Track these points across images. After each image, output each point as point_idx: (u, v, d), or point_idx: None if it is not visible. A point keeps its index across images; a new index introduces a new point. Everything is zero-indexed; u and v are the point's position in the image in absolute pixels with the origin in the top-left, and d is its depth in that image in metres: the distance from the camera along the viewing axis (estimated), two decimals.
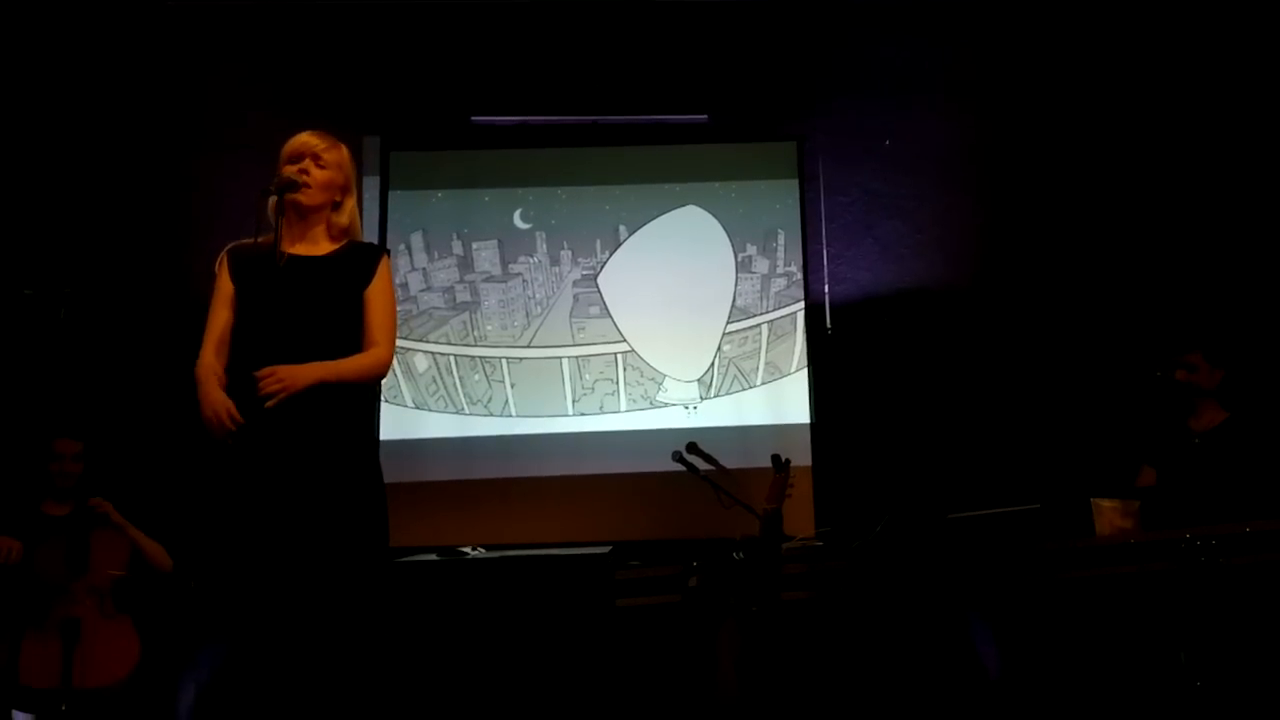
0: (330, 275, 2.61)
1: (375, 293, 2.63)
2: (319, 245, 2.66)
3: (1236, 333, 4.07)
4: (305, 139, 2.67)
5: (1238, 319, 4.48)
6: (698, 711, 3.19)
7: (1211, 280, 4.65)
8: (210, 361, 2.56)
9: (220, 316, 2.61)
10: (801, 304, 4.73)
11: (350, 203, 2.71)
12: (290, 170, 2.61)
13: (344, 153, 2.71)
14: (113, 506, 3.70)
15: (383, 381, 4.52)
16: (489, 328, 4.72)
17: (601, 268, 4.77)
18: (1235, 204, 4.73)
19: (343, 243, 2.68)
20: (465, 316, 4.72)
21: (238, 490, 2.49)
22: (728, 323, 4.73)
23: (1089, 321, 4.69)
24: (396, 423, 4.58)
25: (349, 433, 2.59)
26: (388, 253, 2.74)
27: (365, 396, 2.66)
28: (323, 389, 2.48)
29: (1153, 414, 3.76)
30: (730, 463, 3.59)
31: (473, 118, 4.96)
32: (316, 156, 2.64)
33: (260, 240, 2.61)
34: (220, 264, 2.65)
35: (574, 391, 4.67)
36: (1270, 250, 4.65)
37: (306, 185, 2.61)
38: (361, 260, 2.66)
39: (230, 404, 2.44)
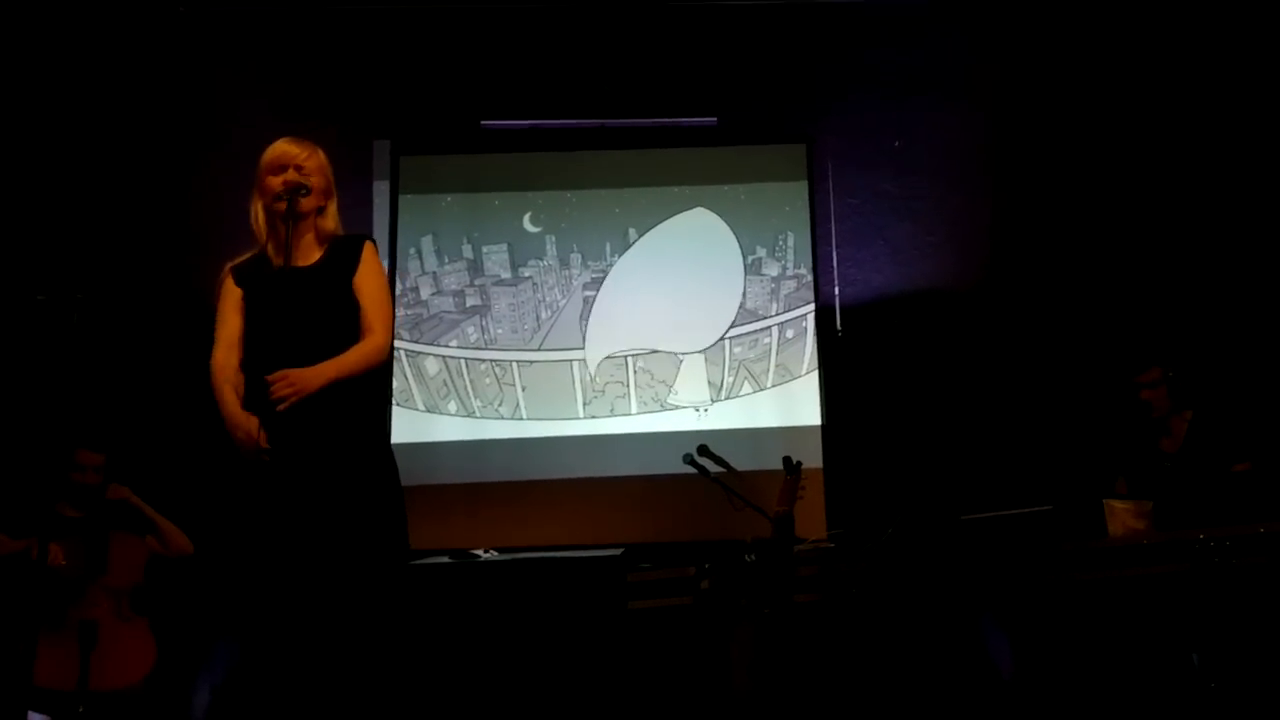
0: (320, 282, 2.63)
1: (362, 279, 2.64)
2: (308, 254, 2.67)
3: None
4: (283, 148, 2.66)
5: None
6: (711, 714, 3.19)
7: (1220, 281, 4.64)
8: (223, 363, 2.58)
9: (231, 321, 2.63)
10: (812, 306, 4.73)
11: (333, 206, 2.72)
12: (275, 181, 2.61)
13: (322, 157, 2.70)
14: (130, 490, 3.70)
15: (394, 385, 4.58)
16: (499, 331, 4.73)
17: (611, 270, 4.77)
18: (1245, 204, 4.72)
19: (326, 246, 2.69)
20: (476, 320, 4.74)
21: (253, 493, 2.51)
22: (738, 325, 4.74)
23: (1100, 323, 4.68)
24: (408, 426, 4.59)
25: (362, 434, 2.61)
26: (371, 240, 2.75)
27: (377, 398, 2.68)
28: (334, 391, 2.50)
29: (1124, 429, 3.77)
30: (741, 465, 3.58)
31: (482, 122, 4.97)
32: (300, 167, 2.64)
33: (256, 254, 2.64)
34: (225, 277, 2.67)
35: (584, 394, 4.68)
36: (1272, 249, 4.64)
37: (309, 189, 2.62)
38: (344, 254, 2.67)
39: (253, 429, 2.46)
